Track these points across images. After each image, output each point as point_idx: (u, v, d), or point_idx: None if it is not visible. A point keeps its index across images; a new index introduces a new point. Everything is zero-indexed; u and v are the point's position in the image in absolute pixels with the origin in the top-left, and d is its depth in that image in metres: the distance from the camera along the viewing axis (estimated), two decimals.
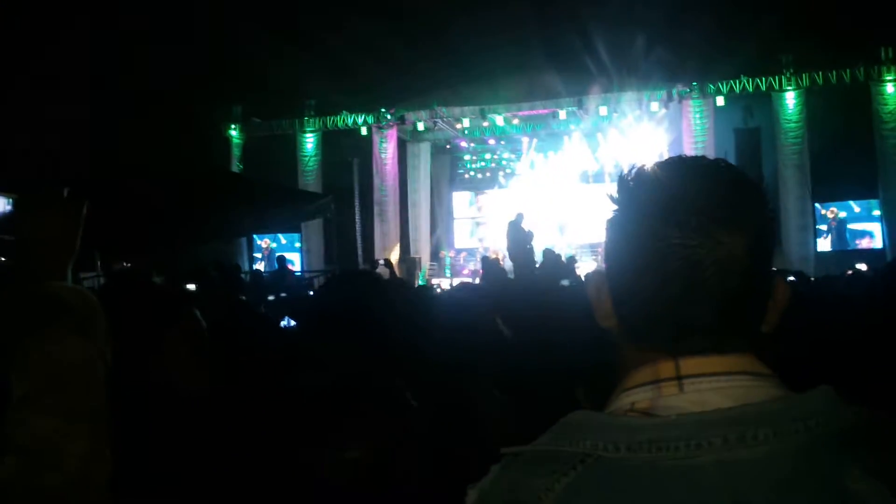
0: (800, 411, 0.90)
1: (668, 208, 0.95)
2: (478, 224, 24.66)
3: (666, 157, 1.06)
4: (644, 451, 0.89)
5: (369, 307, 2.36)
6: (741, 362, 0.96)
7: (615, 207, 1.03)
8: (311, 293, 11.00)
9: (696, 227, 0.93)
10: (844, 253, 19.10)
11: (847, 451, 0.88)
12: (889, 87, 18.27)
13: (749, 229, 0.95)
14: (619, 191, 1.03)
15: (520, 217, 13.87)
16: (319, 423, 1.19)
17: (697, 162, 1.02)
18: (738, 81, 19.04)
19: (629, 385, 1.00)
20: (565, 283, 9.36)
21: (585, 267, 17.61)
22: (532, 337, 3.75)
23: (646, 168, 1.03)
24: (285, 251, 19.93)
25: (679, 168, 1.01)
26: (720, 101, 19.13)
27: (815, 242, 19.38)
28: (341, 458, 1.12)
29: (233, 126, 22.22)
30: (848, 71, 18.46)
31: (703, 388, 0.94)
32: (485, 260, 13.24)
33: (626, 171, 1.04)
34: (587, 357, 2.27)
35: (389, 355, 2.21)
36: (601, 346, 1.11)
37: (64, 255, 1.45)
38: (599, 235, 21.75)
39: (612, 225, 1.03)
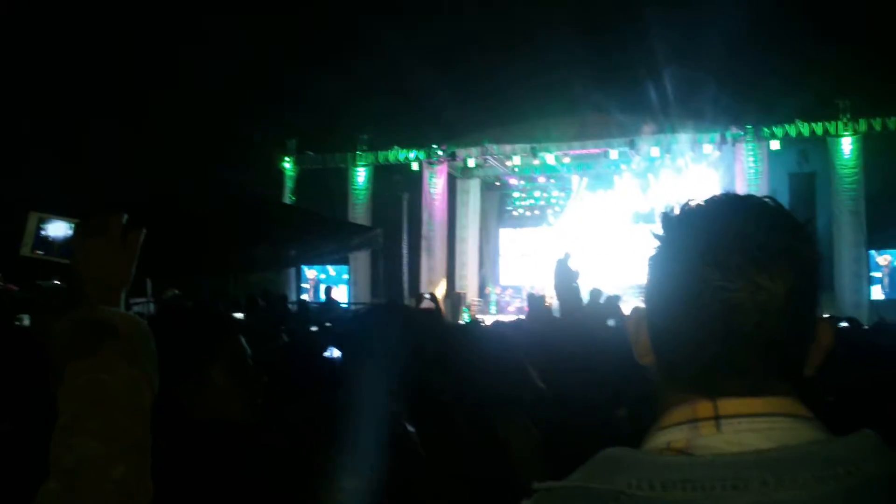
0: (841, 455, 0.89)
1: (710, 248, 0.95)
2: (525, 262, 24.57)
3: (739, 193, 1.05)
4: (679, 490, 0.88)
5: (396, 341, 2.38)
6: (781, 404, 0.95)
7: (657, 245, 1.03)
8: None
9: (737, 270, 0.93)
10: None
11: (890, 496, 0.87)
12: None
13: (792, 273, 0.94)
14: (662, 228, 1.03)
15: (567, 255, 13.86)
16: (317, 455, 1.18)
17: (743, 201, 1.01)
18: (793, 125, 18.82)
19: (666, 423, 0.99)
20: (611, 323, 9.26)
21: (631, 307, 17.35)
22: (573, 379, 3.73)
23: (689, 206, 1.03)
24: (333, 283, 20.10)
25: (723, 207, 1.01)
26: (775, 144, 18.90)
27: (869, 290, 18.94)
28: (339, 488, 1.12)
29: (287, 158, 22.59)
30: None
31: (741, 428, 0.93)
32: (531, 297, 13.18)
33: (670, 209, 1.04)
34: (632, 385, 2.25)
35: (410, 390, 2.23)
36: (644, 378, 1.10)
37: (117, 281, 1.46)
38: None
39: (654, 262, 1.03)
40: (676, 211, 1.03)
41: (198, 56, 17.19)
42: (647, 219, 21.74)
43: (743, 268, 0.93)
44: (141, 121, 15.32)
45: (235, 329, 2.04)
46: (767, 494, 0.86)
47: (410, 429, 2.04)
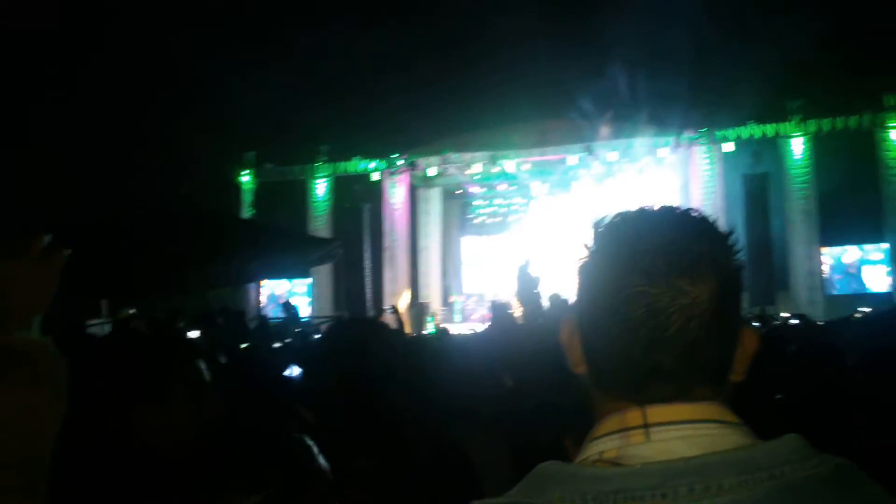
0: (766, 460, 0.90)
1: (634, 256, 0.97)
2: (488, 269, 24.61)
3: (675, 203, 1.08)
4: (610, 501, 0.90)
5: (366, 358, 2.37)
6: (708, 410, 0.97)
7: (587, 255, 1.05)
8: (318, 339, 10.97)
9: (660, 275, 0.95)
10: (854, 297, 19.00)
11: (813, 500, 0.88)
12: (893, 134, 18.38)
13: (713, 279, 0.96)
14: (592, 238, 1.05)
15: (527, 262, 13.91)
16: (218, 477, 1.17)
17: (667, 212, 1.04)
18: (745, 128, 19.15)
19: (598, 433, 1.00)
20: None
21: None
22: (534, 386, 3.74)
23: (617, 217, 1.05)
24: (294, 297, 19.97)
25: (647, 218, 1.03)
26: (728, 146, 19.24)
27: (824, 286, 19.30)
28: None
29: (245, 171, 22.44)
30: (854, 118, 18.59)
31: (669, 436, 0.95)
32: (494, 305, 13.21)
33: (597, 220, 1.06)
34: (575, 403, 2.27)
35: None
36: (581, 392, 1.11)
37: (33, 305, 1.40)
38: None
39: (583, 272, 1.05)
40: (600, 221, 1.06)
41: (151, 70, 17.01)
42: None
43: (665, 273, 0.95)
44: (90, 137, 15.13)
45: (194, 354, 2.02)
46: (695, 501, 0.88)
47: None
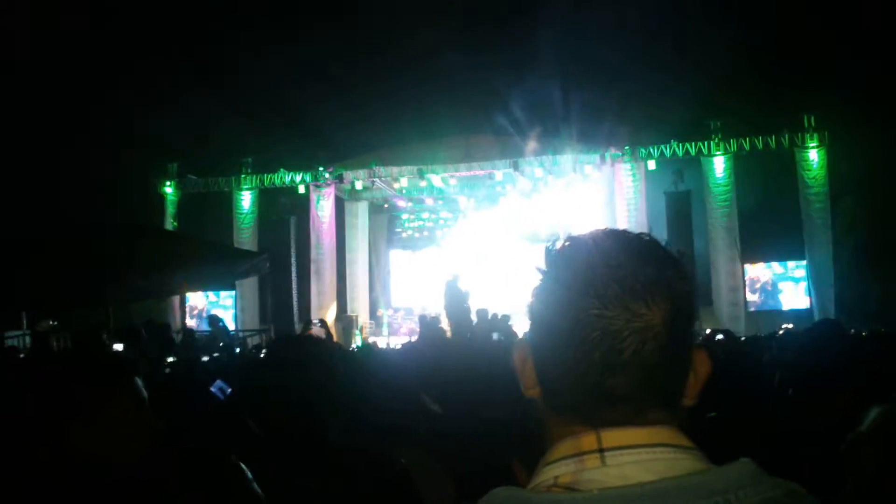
0: (720, 484, 0.91)
1: (589, 280, 0.97)
2: (416, 283, 24.61)
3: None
4: None
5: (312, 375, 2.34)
6: (662, 434, 0.97)
7: (540, 278, 1.05)
8: (243, 354, 10.80)
9: (614, 299, 0.95)
10: (774, 312, 19.61)
11: None
12: (812, 153, 19.10)
13: (667, 302, 0.96)
14: (545, 262, 1.05)
15: (456, 277, 13.97)
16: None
17: (619, 235, 1.04)
18: (668, 146, 19.66)
19: (552, 458, 0.99)
20: (496, 336, 9.39)
21: (522, 326, 17.65)
22: (465, 407, 3.74)
23: (570, 240, 1.05)
24: (219, 310, 19.62)
25: (601, 241, 1.03)
26: (651, 164, 19.69)
27: (746, 302, 19.86)
28: None
29: (168, 182, 21.98)
30: (774, 137, 19.29)
31: (624, 461, 0.95)
32: (422, 319, 13.21)
33: (550, 243, 1.06)
34: (520, 425, 2.27)
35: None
36: (530, 416, 1.10)
37: None
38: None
39: (537, 296, 1.04)
40: (553, 244, 1.06)
41: (70, 78, 16.53)
42: (533, 238, 22.23)
43: (620, 297, 0.95)
44: (13, 149, 14.62)
45: (131, 370, 1.95)
46: None
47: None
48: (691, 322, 1.01)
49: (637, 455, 0.95)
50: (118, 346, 7.01)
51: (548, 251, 1.05)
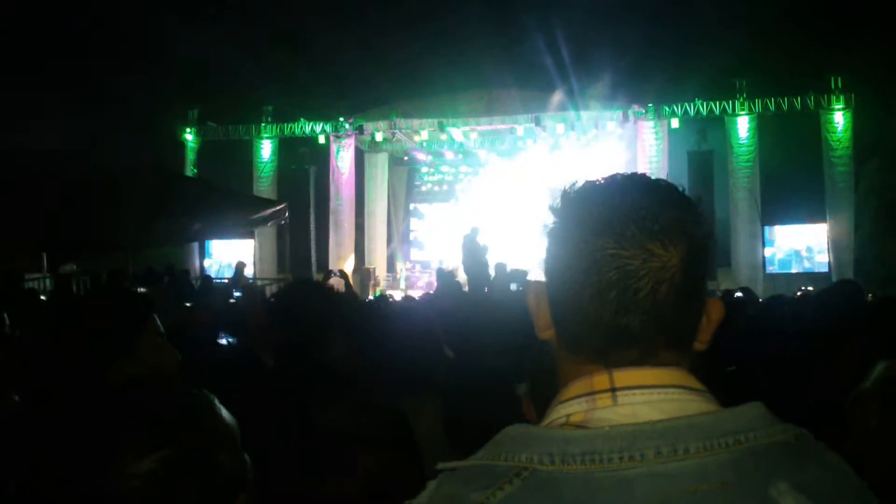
0: (730, 426, 0.92)
1: (606, 220, 0.98)
2: (434, 237, 24.61)
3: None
4: (578, 463, 0.90)
5: (324, 319, 2.38)
6: (674, 376, 0.98)
7: (555, 219, 1.05)
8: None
9: (631, 239, 0.96)
10: (793, 275, 19.51)
11: (775, 465, 0.91)
12: (837, 116, 18.80)
13: (683, 245, 0.97)
14: (561, 203, 1.05)
15: (475, 231, 13.93)
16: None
17: (638, 178, 1.05)
18: (692, 105, 19.40)
19: (565, 397, 1.01)
20: (514, 286, 9.43)
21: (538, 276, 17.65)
22: (478, 349, 3.77)
23: (587, 183, 1.06)
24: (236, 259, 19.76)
25: (619, 183, 1.04)
26: (675, 123, 19.46)
27: (765, 264, 19.76)
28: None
29: (188, 129, 21.99)
30: (799, 98, 18.98)
31: (635, 400, 0.96)
32: (440, 272, 13.24)
33: (567, 185, 1.06)
34: (530, 358, 2.30)
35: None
36: (543, 357, 1.11)
37: None
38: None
39: (552, 235, 1.05)
40: (571, 186, 1.06)
41: (94, 21, 16.49)
42: (556, 195, 22.09)
43: (637, 237, 0.96)
44: (32, 88, 14.64)
45: (151, 305, 2.22)
46: (661, 464, 0.89)
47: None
48: (706, 266, 1.01)
49: (648, 395, 0.96)
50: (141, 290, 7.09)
51: (564, 193, 1.06)
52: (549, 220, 1.06)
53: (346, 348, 2.37)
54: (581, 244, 0.98)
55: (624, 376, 0.97)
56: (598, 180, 1.05)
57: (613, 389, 0.97)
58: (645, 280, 0.95)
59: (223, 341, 4.39)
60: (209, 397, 1.18)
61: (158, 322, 2.19)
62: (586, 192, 1.04)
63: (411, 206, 25.24)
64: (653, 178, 1.05)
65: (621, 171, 1.09)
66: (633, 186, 1.02)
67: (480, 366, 3.35)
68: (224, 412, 1.18)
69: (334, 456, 2.03)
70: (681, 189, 1.04)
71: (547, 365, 1.12)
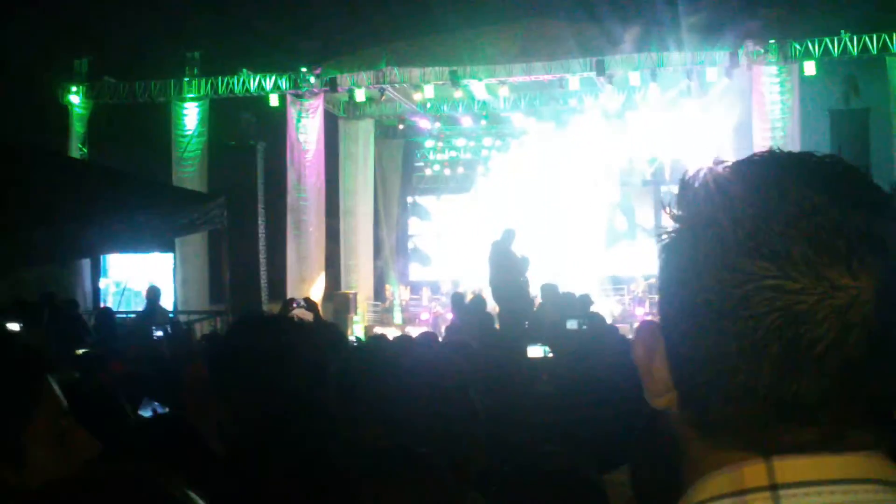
0: None
1: (758, 231, 0.95)
2: (444, 245, 24.67)
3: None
4: None
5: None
6: (869, 465, 0.96)
7: (676, 228, 1.03)
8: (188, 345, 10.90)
9: (801, 262, 0.93)
10: None
11: None
12: None
13: (880, 267, 0.94)
14: (681, 204, 1.03)
15: (509, 236, 13.92)
16: None
17: (801, 162, 1.02)
18: (836, 41, 19.35)
19: (701, 496, 1.00)
20: (573, 324, 9.40)
21: (606, 307, 17.68)
22: (530, 413, 3.77)
23: (721, 170, 1.03)
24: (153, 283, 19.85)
25: (773, 171, 1.01)
26: (810, 68, 19.42)
27: None
28: None
29: (74, 88, 22.08)
30: None
31: (809, 502, 0.94)
32: (456, 300, 13.26)
33: (690, 175, 1.04)
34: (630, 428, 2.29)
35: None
36: (652, 426, 1.10)
37: None
38: (628, 267, 22.09)
39: (672, 255, 1.03)
40: (695, 177, 1.03)
41: None
42: (626, 180, 22.13)
43: (810, 259, 0.93)
44: None
45: (46, 368, 2.07)
46: None
47: None
48: None
49: (829, 495, 0.94)
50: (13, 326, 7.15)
51: (685, 186, 1.04)
52: (668, 229, 1.04)
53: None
54: (720, 270, 0.96)
55: (792, 467, 0.96)
56: (739, 165, 1.03)
57: (775, 487, 0.95)
58: (825, 326, 0.92)
59: (146, 411, 4.39)
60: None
61: (59, 392, 2.05)
62: (722, 187, 1.01)
63: (409, 200, 25.34)
64: (824, 156, 1.02)
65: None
66: (794, 175, 0.99)
67: (531, 450, 3.35)
68: None
69: None
70: (867, 174, 1.01)
71: (660, 444, 1.11)
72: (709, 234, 0.98)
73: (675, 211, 1.04)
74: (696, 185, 1.03)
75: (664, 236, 1.04)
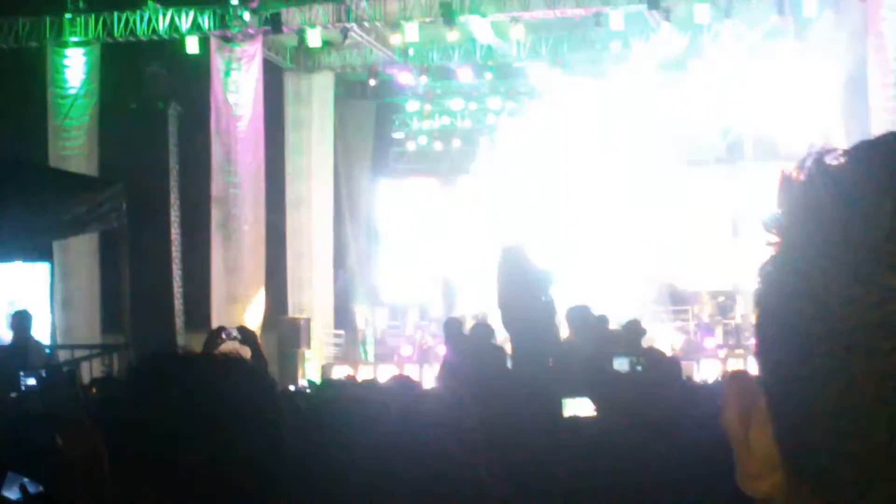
0: None
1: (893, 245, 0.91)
2: (429, 252, 24.81)
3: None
4: None
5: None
6: None
7: (776, 245, 0.99)
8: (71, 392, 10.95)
9: None
10: None
11: None
12: None
13: None
14: (787, 202, 1.00)
15: (524, 240, 14.01)
16: None
17: None
18: None
19: None
20: (622, 364, 9.43)
21: (663, 337, 17.84)
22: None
23: (834, 160, 0.97)
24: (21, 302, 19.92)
25: None
26: None
27: None
28: None
29: None
30: None
31: None
32: (449, 326, 13.34)
33: (799, 164, 0.99)
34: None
35: None
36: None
37: None
38: (690, 279, 22.23)
39: (775, 275, 0.99)
40: (803, 165, 0.98)
41: None
42: (695, 159, 22.31)
43: None
44: None
45: None
46: None
47: None
48: None
49: None
50: None
51: (788, 185, 0.99)
52: (768, 244, 1.00)
53: None
54: (845, 293, 0.91)
55: None
56: (865, 147, 0.97)
57: None
58: None
59: (12, 492, 4.40)
60: None
61: None
62: (840, 183, 0.96)
63: (384, 186, 25.48)
64: None
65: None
66: None
67: None
68: None
69: None
70: None
71: None
72: (829, 244, 0.94)
73: (777, 219, 0.99)
74: (800, 183, 0.98)
75: (764, 263, 0.99)
